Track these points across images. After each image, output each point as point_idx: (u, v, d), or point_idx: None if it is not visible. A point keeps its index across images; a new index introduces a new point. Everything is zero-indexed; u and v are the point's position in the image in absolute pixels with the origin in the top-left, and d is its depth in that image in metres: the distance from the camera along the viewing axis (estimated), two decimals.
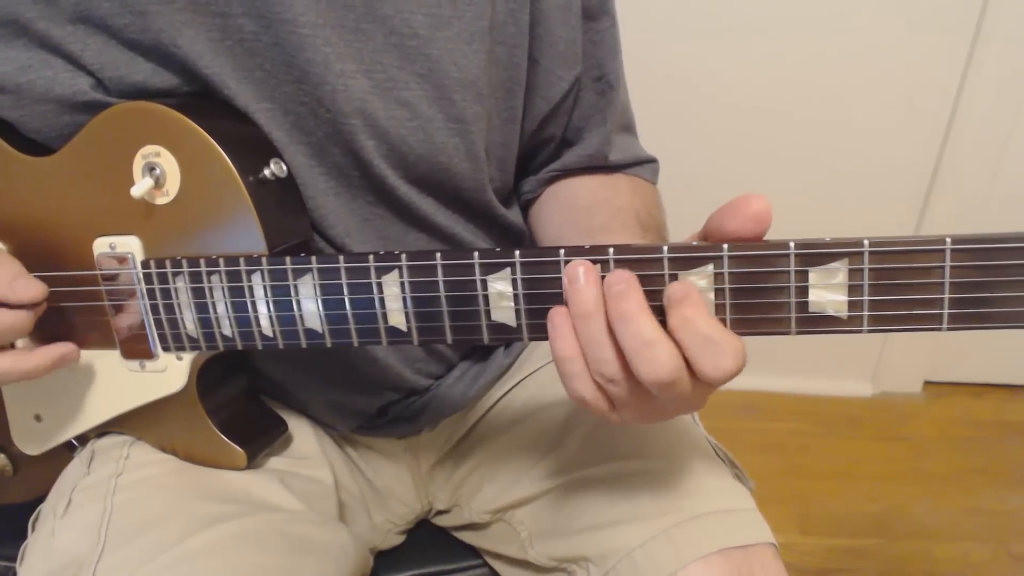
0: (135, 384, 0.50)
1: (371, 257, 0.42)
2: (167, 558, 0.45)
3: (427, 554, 0.65)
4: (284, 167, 0.47)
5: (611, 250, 0.38)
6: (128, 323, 0.48)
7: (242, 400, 0.56)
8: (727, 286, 0.37)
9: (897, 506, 1.36)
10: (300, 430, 0.59)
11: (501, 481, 0.60)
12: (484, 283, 0.40)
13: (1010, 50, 1.34)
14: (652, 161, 0.64)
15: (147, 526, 0.47)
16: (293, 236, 0.47)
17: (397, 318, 0.42)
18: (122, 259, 0.47)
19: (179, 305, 0.46)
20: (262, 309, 0.45)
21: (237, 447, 0.52)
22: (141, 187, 0.45)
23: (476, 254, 0.40)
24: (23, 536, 0.52)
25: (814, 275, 0.36)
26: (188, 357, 0.49)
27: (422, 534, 0.67)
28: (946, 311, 0.35)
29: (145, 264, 0.47)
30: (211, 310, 0.46)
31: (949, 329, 0.35)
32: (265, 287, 0.44)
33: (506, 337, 0.41)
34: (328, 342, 0.44)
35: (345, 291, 0.43)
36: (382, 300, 0.42)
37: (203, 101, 0.47)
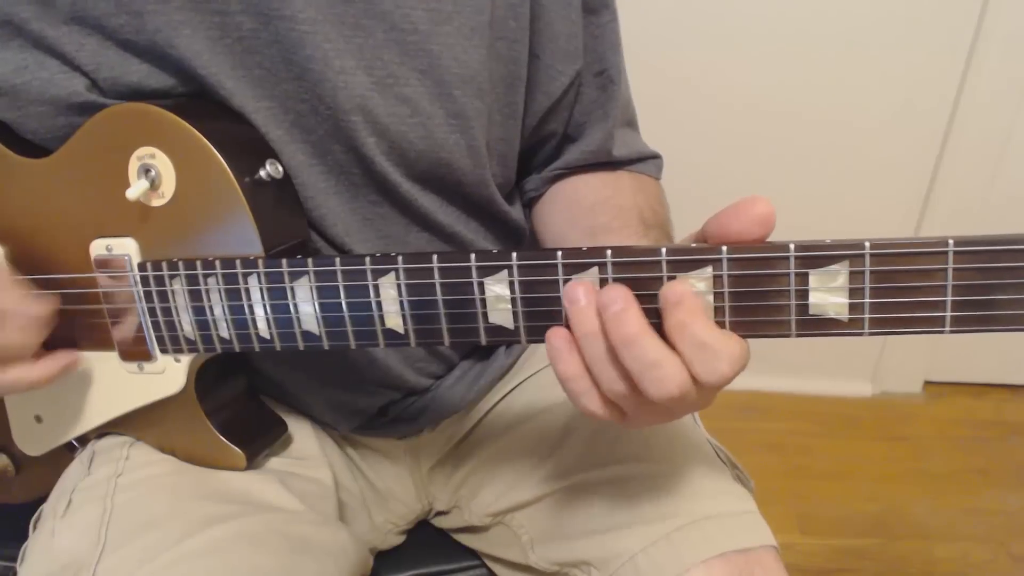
0: (134, 386, 0.50)
1: (368, 259, 0.41)
2: (167, 558, 0.45)
3: (427, 554, 0.65)
4: (280, 168, 0.47)
5: (609, 252, 0.37)
6: (126, 325, 0.48)
7: (241, 401, 0.56)
8: (726, 289, 0.37)
9: (897, 506, 1.36)
10: (300, 430, 0.59)
11: (501, 483, 0.60)
12: (481, 285, 0.40)
13: (1010, 50, 1.34)
14: (656, 157, 0.64)
15: (147, 526, 0.47)
16: (290, 237, 0.47)
17: (394, 320, 0.42)
18: (119, 261, 0.47)
19: (176, 307, 0.46)
20: (259, 311, 0.45)
21: (236, 448, 0.52)
22: (137, 189, 0.44)
23: (473, 256, 0.40)
24: (24, 536, 0.52)
25: (814, 277, 0.36)
26: (186, 359, 0.48)
27: (422, 534, 0.67)
28: (948, 313, 0.35)
29: (142, 266, 0.46)
30: (208, 312, 0.46)
31: (951, 332, 0.35)
32: (262, 289, 0.44)
33: (504, 339, 0.41)
34: (325, 344, 0.44)
35: (342, 293, 0.43)
36: (379, 303, 0.42)
37: (199, 102, 0.47)
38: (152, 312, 0.47)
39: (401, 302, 0.42)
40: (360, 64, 0.47)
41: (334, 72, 0.46)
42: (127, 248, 0.47)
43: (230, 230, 0.45)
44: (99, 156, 0.46)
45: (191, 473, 0.52)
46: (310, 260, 0.43)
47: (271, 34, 0.45)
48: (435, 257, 0.40)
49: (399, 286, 0.41)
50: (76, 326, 0.50)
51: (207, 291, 0.45)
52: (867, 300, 0.35)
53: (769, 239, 0.36)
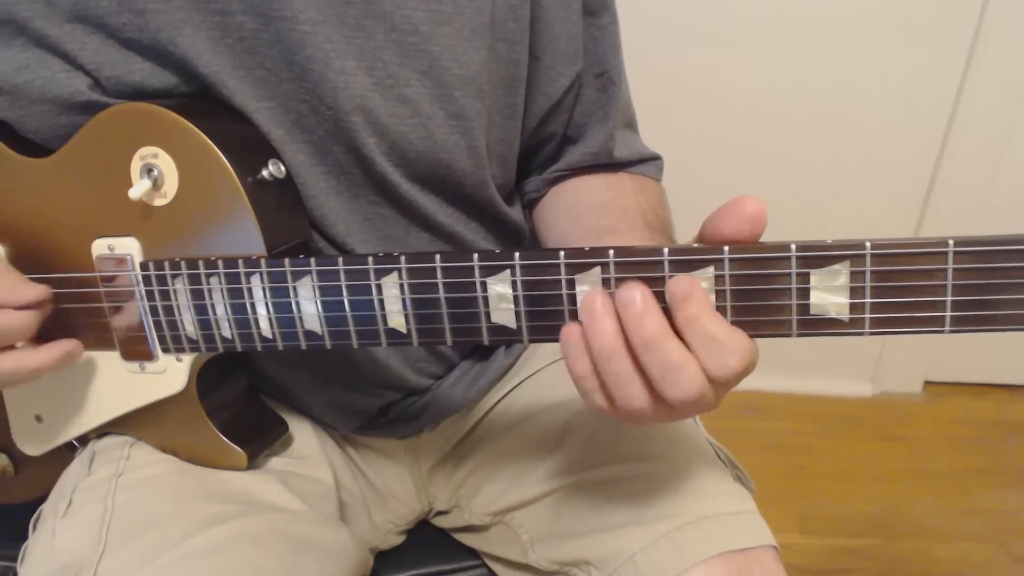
0: (135, 385, 0.50)
1: (370, 259, 0.41)
2: (168, 558, 0.45)
3: (427, 554, 0.65)
4: (282, 168, 0.47)
5: (611, 252, 0.38)
6: (127, 324, 0.48)
7: (242, 401, 0.56)
8: (728, 288, 0.37)
9: (897, 506, 1.36)
10: (300, 430, 0.59)
11: (501, 483, 0.60)
12: (484, 285, 0.40)
13: (1010, 50, 1.34)
14: (656, 158, 0.64)
15: (148, 526, 0.47)
16: (292, 237, 0.47)
17: (397, 320, 0.42)
18: (121, 261, 0.47)
19: (178, 307, 0.46)
20: (261, 311, 0.45)
21: (237, 448, 0.52)
22: (139, 188, 0.44)
23: (476, 256, 0.40)
24: (24, 536, 0.52)
25: (815, 277, 0.36)
26: (188, 358, 0.49)
27: (422, 534, 0.67)
28: (948, 313, 0.35)
29: (144, 266, 0.47)
30: (210, 312, 0.46)
31: (952, 331, 0.35)
32: (264, 289, 0.44)
33: (506, 339, 0.41)
34: (328, 343, 0.44)
35: (344, 293, 0.43)
36: (381, 302, 0.42)
37: (201, 102, 0.47)
38: (154, 311, 0.47)
39: (404, 301, 0.42)
40: (361, 65, 0.47)
41: (335, 73, 0.46)
42: (129, 248, 0.47)
43: (232, 230, 0.45)
44: (101, 155, 0.46)
45: (192, 473, 0.52)
46: (313, 260, 0.43)
47: (272, 34, 0.45)
48: (438, 257, 0.40)
49: (402, 285, 0.41)
50: (77, 325, 0.50)
51: (209, 290, 0.45)
52: (868, 300, 0.35)
53: (770, 239, 0.36)
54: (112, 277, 0.48)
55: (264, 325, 0.45)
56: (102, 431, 0.54)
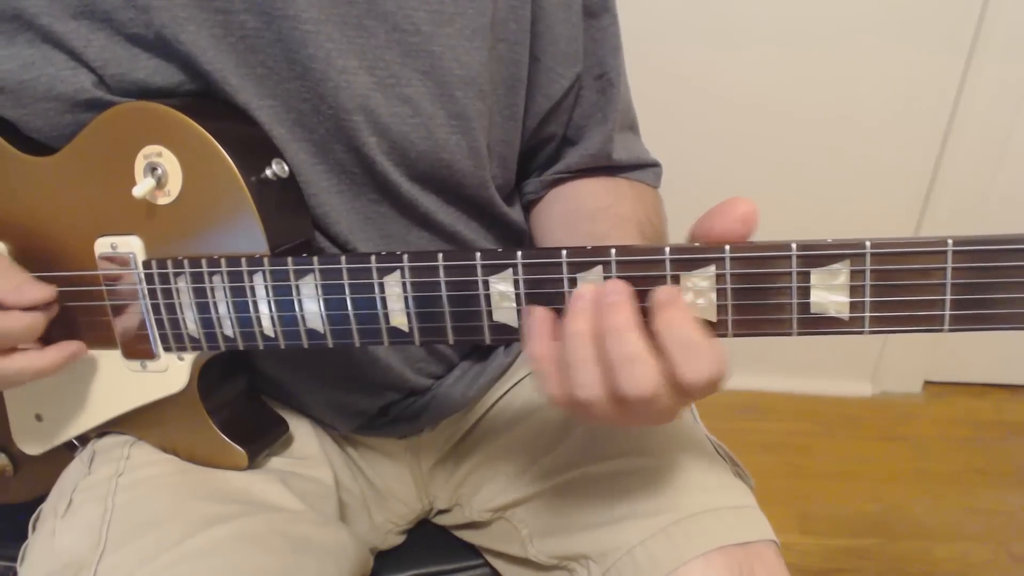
0: (136, 384, 0.50)
1: (373, 258, 0.42)
2: (168, 558, 0.45)
3: (427, 554, 0.65)
4: (286, 167, 0.47)
5: (613, 251, 0.38)
6: (129, 323, 0.48)
7: (243, 400, 0.56)
8: (729, 287, 0.37)
9: (897, 506, 1.36)
10: (301, 430, 0.59)
11: (502, 480, 0.60)
12: (486, 283, 0.40)
13: (1010, 50, 1.34)
14: (655, 165, 0.64)
15: (148, 526, 0.47)
16: (295, 236, 0.47)
17: (399, 318, 0.42)
18: (123, 259, 0.47)
19: (180, 305, 0.46)
20: (264, 309, 0.45)
21: (238, 447, 0.52)
22: (143, 187, 0.44)
23: (478, 255, 0.40)
24: (23, 536, 0.52)
25: (816, 276, 0.36)
26: (189, 357, 0.49)
27: (422, 534, 0.67)
28: (948, 312, 0.35)
29: (147, 264, 0.47)
30: (212, 310, 0.46)
31: (951, 330, 0.35)
32: (267, 287, 0.44)
33: (508, 338, 0.41)
34: (330, 342, 0.44)
35: (347, 291, 0.43)
36: (384, 300, 0.42)
37: (205, 101, 0.47)
38: (156, 310, 0.47)
39: (406, 300, 0.42)
40: (362, 64, 0.47)
41: (336, 72, 0.46)
42: (132, 246, 0.47)
43: (235, 229, 0.45)
44: (105, 154, 0.46)
45: (192, 473, 0.52)
46: (315, 259, 0.43)
47: (274, 33, 0.46)
48: (440, 255, 0.40)
49: (404, 284, 0.41)
50: (79, 324, 0.50)
51: (212, 289, 0.45)
52: (867, 299, 0.36)
53: (770, 239, 0.37)
54: (115, 276, 0.48)
55: (266, 324, 0.45)
56: (102, 430, 0.54)
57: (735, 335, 0.38)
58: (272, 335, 0.45)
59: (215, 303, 0.46)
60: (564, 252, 0.38)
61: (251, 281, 0.44)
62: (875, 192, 1.48)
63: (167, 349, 0.48)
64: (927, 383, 1.68)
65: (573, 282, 0.39)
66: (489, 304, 0.41)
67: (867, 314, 0.36)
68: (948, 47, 1.35)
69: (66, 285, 0.49)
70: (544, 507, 0.57)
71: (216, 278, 0.45)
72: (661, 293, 0.37)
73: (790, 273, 0.36)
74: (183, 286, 0.46)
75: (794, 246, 0.36)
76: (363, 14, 0.46)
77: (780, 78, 1.39)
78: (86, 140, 0.47)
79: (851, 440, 1.54)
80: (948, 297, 0.35)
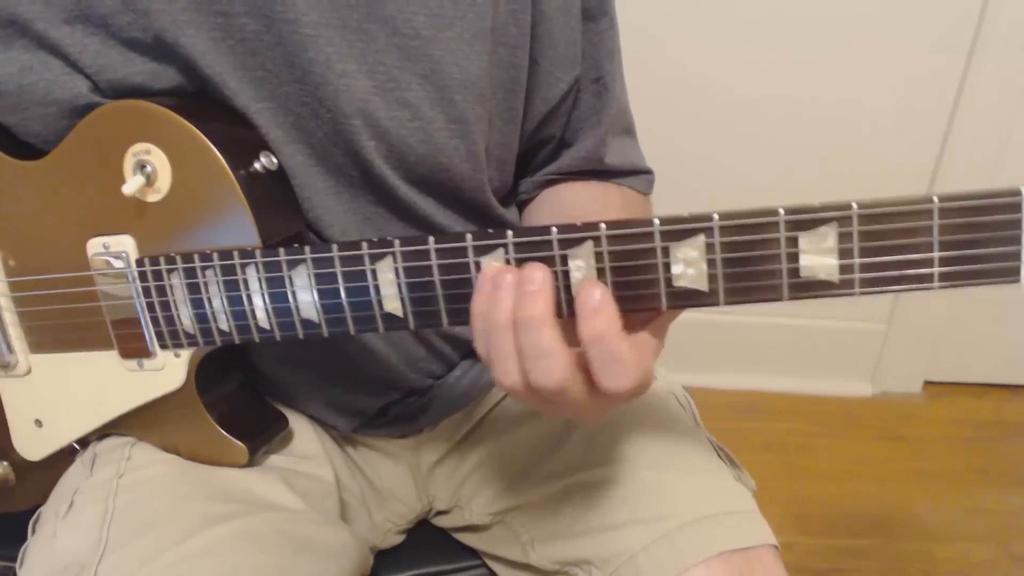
0: (134, 383, 0.50)
1: (365, 244, 0.42)
2: (169, 558, 0.45)
3: (427, 554, 0.65)
4: (274, 159, 0.47)
5: (603, 226, 0.38)
6: (125, 322, 0.48)
7: (242, 395, 0.56)
8: (719, 256, 0.37)
9: (897, 506, 1.36)
10: (301, 429, 0.59)
11: (502, 482, 0.60)
12: (478, 265, 0.40)
13: (1010, 50, 1.34)
14: (648, 172, 0.64)
15: (149, 526, 0.47)
16: (286, 229, 0.47)
17: (393, 304, 0.42)
18: (116, 258, 0.47)
19: (175, 302, 0.46)
20: (258, 302, 0.45)
21: (238, 442, 0.51)
22: (132, 185, 0.44)
23: (469, 236, 0.40)
24: (23, 537, 0.52)
25: (804, 240, 0.36)
26: (186, 354, 0.49)
27: (422, 534, 0.67)
28: (936, 269, 0.35)
29: (139, 262, 0.47)
30: (207, 305, 0.46)
31: (940, 287, 0.35)
32: (260, 279, 0.44)
33: None
34: (325, 332, 0.44)
35: (340, 280, 0.43)
36: (377, 287, 0.42)
37: (191, 99, 0.47)
38: (151, 308, 0.47)
39: (399, 285, 0.42)
40: (362, 68, 0.47)
41: (336, 75, 0.46)
42: (124, 245, 0.47)
43: (227, 223, 0.45)
44: (94, 154, 0.46)
45: (193, 472, 0.52)
46: (307, 248, 0.43)
47: (274, 36, 0.46)
48: (431, 239, 0.40)
49: (396, 269, 0.41)
50: (74, 325, 0.50)
51: (205, 283, 0.45)
52: (856, 260, 0.36)
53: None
54: (108, 275, 0.47)
55: (261, 316, 0.45)
56: (103, 432, 0.54)
57: (727, 303, 0.38)
58: (267, 327, 0.45)
59: (209, 298, 0.46)
60: (554, 229, 0.38)
61: (244, 274, 0.44)
62: (875, 192, 1.46)
63: (163, 347, 0.48)
64: (927, 383, 1.68)
65: (564, 259, 0.39)
66: None
67: (856, 275, 0.36)
68: (948, 47, 1.35)
69: (60, 287, 0.49)
70: (545, 511, 0.57)
71: (209, 272, 0.45)
72: (589, 299, 0.36)
73: (779, 239, 0.36)
74: (176, 282, 0.46)
75: (781, 211, 0.36)
76: (363, 18, 0.46)
77: (780, 78, 1.39)
78: (74, 142, 0.47)
79: (851, 440, 1.54)
80: (936, 254, 0.35)
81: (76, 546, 0.47)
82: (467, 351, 0.62)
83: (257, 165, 0.46)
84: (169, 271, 0.46)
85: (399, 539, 0.66)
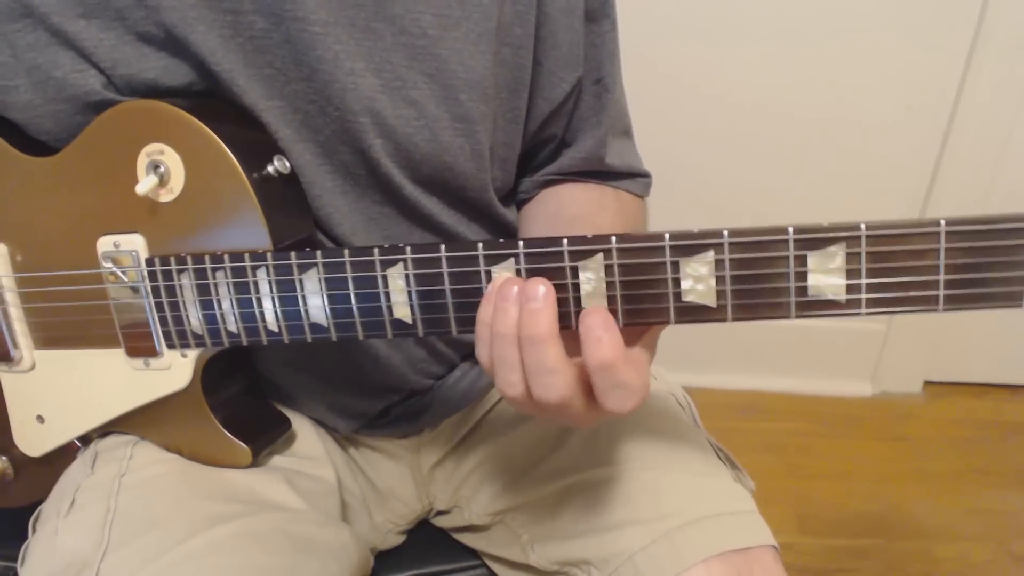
0: (139, 382, 0.50)
1: (376, 251, 0.42)
2: (170, 557, 0.45)
3: (427, 554, 0.65)
4: (287, 164, 0.47)
5: (614, 239, 0.38)
6: (133, 321, 0.48)
7: (246, 397, 0.56)
8: (728, 272, 0.37)
9: (897, 506, 1.36)
10: (303, 430, 0.59)
11: (501, 482, 0.60)
12: (488, 274, 0.40)
13: (1010, 50, 1.34)
14: (646, 175, 0.64)
15: (151, 525, 0.47)
16: (297, 233, 0.47)
17: (402, 311, 0.43)
18: (126, 257, 0.47)
19: (184, 302, 0.47)
20: (267, 304, 0.45)
21: (242, 444, 0.52)
22: (146, 184, 0.45)
23: (480, 245, 0.40)
24: (24, 536, 0.52)
25: (812, 259, 0.36)
26: (193, 354, 0.49)
27: (422, 534, 0.67)
28: (942, 292, 0.35)
29: (149, 262, 0.47)
30: (216, 307, 0.46)
31: (945, 310, 0.36)
32: (270, 282, 0.44)
33: None
34: (333, 336, 0.44)
35: (350, 285, 0.43)
36: (387, 293, 0.42)
37: (207, 100, 0.47)
38: (159, 307, 0.47)
39: (409, 293, 0.42)
40: (369, 67, 0.47)
41: (344, 74, 0.46)
42: (135, 244, 0.47)
43: (238, 225, 0.45)
44: (108, 153, 0.46)
45: (195, 472, 0.52)
46: (319, 252, 0.43)
47: (283, 34, 0.46)
48: (443, 247, 0.41)
49: (407, 276, 0.42)
50: (82, 323, 0.50)
51: (215, 285, 0.45)
52: (863, 281, 0.36)
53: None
54: (117, 274, 0.48)
55: (270, 318, 0.45)
56: (105, 430, 0.54)
57: (734, 319, 0.38)
58: (276, 330, 0.45)
59: (218, 299, 0.46)
60: (565, 241, 0.39)
61: (254, 276, 0.44)
62: (875, 192, 1.48)
63: (170, 347, 0.49)
64: (927, 383, 1.68)
65: (575, 271, 0.39)
66: None
67: (863, 296, 0.36)
68: (948, 47, 1.35)
69: (69, 284, 0.49)
70: (545, 512, 0.57)
71: (219, 274, 0.45)
72: (594, 324, 0.37)
73: (787, 257, 0.36)
74: (186, 283, 0.46)
75: (791, 230, 0.36)
76: (371, 17, 0.47)
77: (780, 78, 1.39)
78: (88, 139, 0.47)
79: (851, 440, 1.54)
80: (942, 277, 0.35)
81: (78, 545, 0.47)
82: (467, 353, 0.62)
83: (270, 168, 0.46)
84: (179, 271, 0.46)
85: (399, 540, 0.66)
